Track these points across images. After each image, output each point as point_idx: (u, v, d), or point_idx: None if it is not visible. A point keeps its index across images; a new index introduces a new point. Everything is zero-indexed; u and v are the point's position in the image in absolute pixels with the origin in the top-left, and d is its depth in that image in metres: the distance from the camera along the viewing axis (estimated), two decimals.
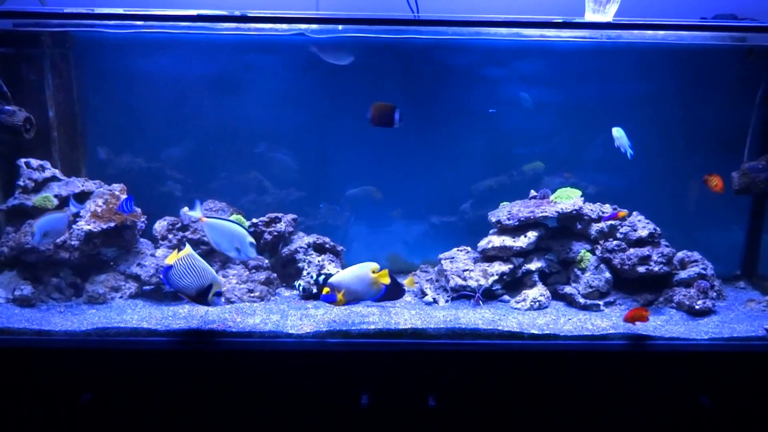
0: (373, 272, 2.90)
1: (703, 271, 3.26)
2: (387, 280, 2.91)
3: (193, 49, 3.48)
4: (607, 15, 2.84)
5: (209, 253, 3.29)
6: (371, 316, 3.02)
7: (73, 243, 3.11)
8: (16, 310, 3.03)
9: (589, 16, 2.87)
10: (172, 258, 2.76)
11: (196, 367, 2.78)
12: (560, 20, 2.87)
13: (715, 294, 3.27)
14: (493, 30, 3.11)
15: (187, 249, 2.77)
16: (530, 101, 3.50)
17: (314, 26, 3.07)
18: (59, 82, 3.41)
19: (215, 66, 3.52)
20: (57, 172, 3.32)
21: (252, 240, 2.96)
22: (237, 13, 2.87)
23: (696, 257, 3.33)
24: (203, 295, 2.76)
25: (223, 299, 2.80)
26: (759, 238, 3.68)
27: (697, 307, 3.12)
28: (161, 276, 2.74)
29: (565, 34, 3.25)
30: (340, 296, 2.86)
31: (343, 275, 2.90)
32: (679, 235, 3.45)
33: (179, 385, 2.78)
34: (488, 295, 3.25)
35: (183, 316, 3.01)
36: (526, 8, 3.22)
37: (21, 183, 3.21)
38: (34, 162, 3.26)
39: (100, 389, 2.75)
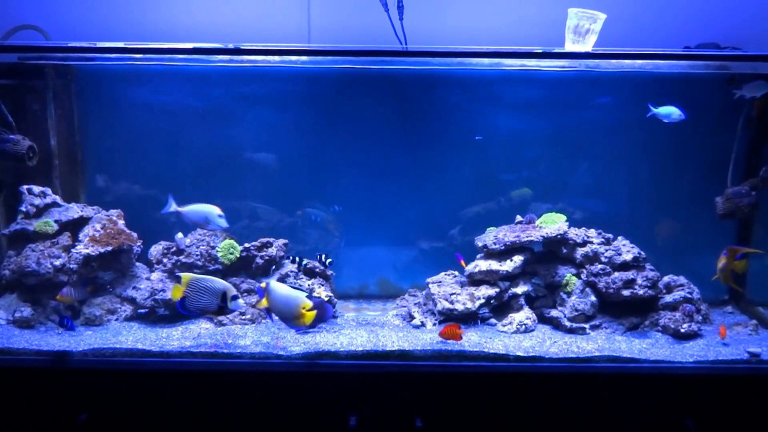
0: (303, 307, 2.82)
1: (689, 295, 3.30)
2: (308, 321, 2.84)
3: (188, 81, 3.60)
4: (586, 45, 2.92)
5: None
6: (359, 338, 3.08)
7: (72, 266, 3.20)
8: (15, 331, 3.11)
9: (569, 47, 2.96)
10: (177, 292, 2.79)
11: (189, 387, 2.85)
12: (540, 50, 2.95)
13: (701, 318, 3.30)
14: (476, 60, 3.21)
15: (186, 276, 2.81)
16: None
17: (305, 58, 3.18)
18: (61, 112, 3.53)
19: (210, 96, 3.63)
20: (57, 198, 3.42)
21: (220, 212, 3.18)
22: (231, 45, 2.97)
23: (682, 281, 3.38)
24: (223, 305, 2.81)
25: (240, 300, 2.83)
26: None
27: (682, 330, 3.15)
28: (179, 310, 2.81)
29: (546, 63, 3.34)
30: (264, 301, 2.86)
31: (278, 288, 2.87)
32: (667, 260, 3.50)
33: (173, 405, 2.84)
34: (475, 319, 3.30)
35: (177, 337, 3.09)
36: (510, 39, 3.32)
37: (23, 209, 3.31)
38: (36, 188, 3.37)
39: (97, 409, 2.82)
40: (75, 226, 3.35)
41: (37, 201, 3.34)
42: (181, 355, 2.93)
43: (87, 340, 3.04)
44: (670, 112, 3.22)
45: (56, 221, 3.30)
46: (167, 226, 3.50)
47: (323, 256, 3.41)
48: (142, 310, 3.31)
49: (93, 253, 3.22)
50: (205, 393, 2.83)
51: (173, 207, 3.21)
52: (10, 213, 3.40)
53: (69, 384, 2.84)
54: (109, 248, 3.25)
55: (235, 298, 2.80)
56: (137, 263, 3.44)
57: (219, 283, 2.82)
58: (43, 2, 3.45)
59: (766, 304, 3.59)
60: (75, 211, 3.38)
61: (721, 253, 3.17)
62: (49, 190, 3.40)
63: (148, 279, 3.38)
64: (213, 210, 3.20)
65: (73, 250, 3.23)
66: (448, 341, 3.03)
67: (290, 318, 2.85)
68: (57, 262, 3.17)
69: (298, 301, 2.83)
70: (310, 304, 2.82)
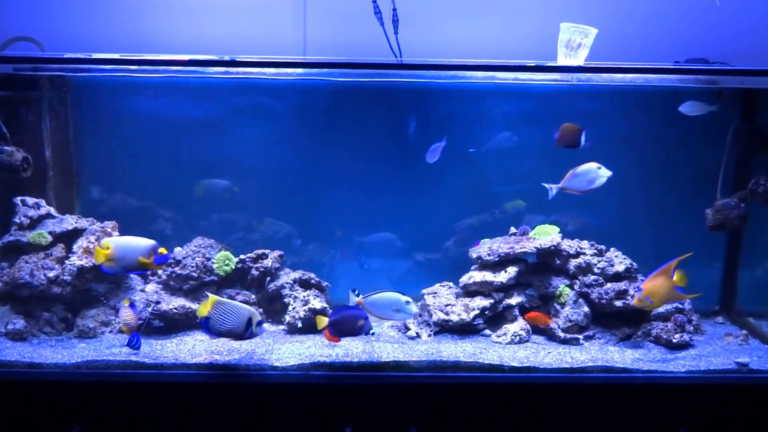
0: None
1: (681, 306, 3.34)
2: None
3: (184, 93, 3.62)
4: (578, 59, 2.97)
5: (198, 288, 3.38)
6: (355, 350, 3.09)
7: (65, 278, 3.19)
8: (8, 343, 3.09)
9: (561, 60, 3.00)
10: (204, 309, 2.79)
11: (183, 399, 2.84)
12: (533, 64, 3.00)
13: (692, 328, 3.34)
14: (470, 73, 3.25)
15: (212, 298, 2.81)
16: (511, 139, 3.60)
17: (300, 70, 3.20)
18: (56, 124, 3.53)
19: (205, 108, 3.64)
20: (52, 210, 3.41)
21: (408, 298, 3.02)
22: (227, 57, 2.98)
23: None
24: (246, 330, 2.82)
25: (264, 325, 2.83)
26: (735, 274, 3.76)
27: (674, 340, 3.18)
28: (203, 329, 2.82)
29: (538, 77, 3.39)
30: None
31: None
32: None
33: (167, 417, 2.83)
34: (469, 330, 3.32)
35: (171, 350, 3.08)
36: (503, 53, 3.37)
37: (17, 220, 3.29)
38: (30, 200, 3.36)
39: (90, 421, 2.80)
40: (69, 238, 3.34)
41: (31, 212, 3.33)
42: (176, 367, 2.93)
43: (80, 353, 3.02)
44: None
45: (50, 233, 3.29)
46: (162, 238, 3.49)
47: (356, 291, 3.41)
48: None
49: (87, 265, 3.21)
50: (200, 405, 2.82)
51: (353, 300, 3.06)
52: (4, 224, 3.37)
53: (62, 396, 2.82)
54: None
55: (260, 323, 2.83)
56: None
57: (246, 309, 2.84)
58: (38, 14, 3.46)
59: (756, 315, 3.63)
60: (69, 222, 3.37)
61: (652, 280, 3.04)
62: (43, 202, 3.39)
63: (142, 290, 3.37)
64: (399, 297, 3.02)
65: (66, 262, 3.22)
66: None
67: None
68: (51, 274, 3.17)
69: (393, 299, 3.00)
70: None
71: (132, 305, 3.09)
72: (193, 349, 3.09)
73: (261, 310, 3.42)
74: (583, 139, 3.16)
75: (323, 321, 3.00)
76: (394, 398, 2.86)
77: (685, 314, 3.32)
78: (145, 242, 2.89)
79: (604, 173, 3.11)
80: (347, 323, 2.96)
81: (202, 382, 2.87)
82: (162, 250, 2.89)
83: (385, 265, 3.83)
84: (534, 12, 3.48)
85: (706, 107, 3.31)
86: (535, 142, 3.63)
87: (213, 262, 3.39)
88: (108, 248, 2.85)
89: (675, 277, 2.97)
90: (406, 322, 3.41)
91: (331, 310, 3.41)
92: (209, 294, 2.81)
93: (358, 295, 3.03)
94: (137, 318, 3.08)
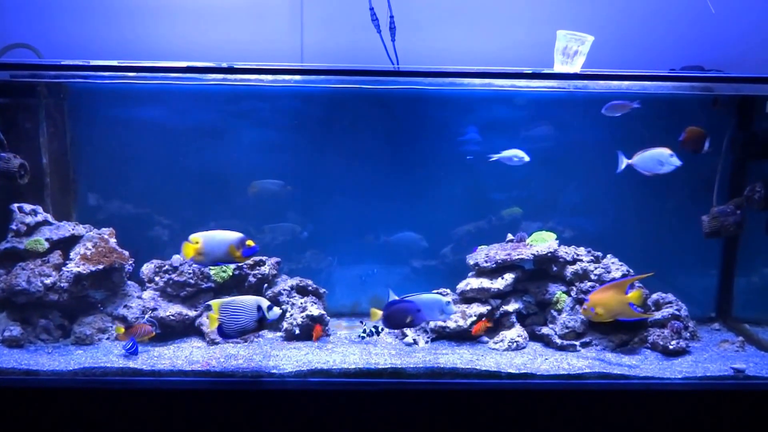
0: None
1: (677, 312, 3.35)
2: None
3: (181, 99, 3.62)
4: (575, 66, 2.99)
5: (195, 294, 3.39)
6: (352, 356, 3.09)
7: (62, 285, 3.18)
8: (5, 350, 3.08)
9: (558, 68, 3.02)
10: (213, 322, 2.76)
11: (180, 405, 2.83)
12: (530, 71, 3.01)
13: (689, 335, 3.35)
14: (467, 80, 3.26)
15: (215, 303, 2.78)
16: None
17: (297, 77, 3.21)
18: (53, 131, 3.54)
19: (202, 115, 3.64)
20: (48, 217, 3.40)
21: (449, 299, 3.03)
22: (224, 64, 2.99)
23: (670, 299, 3.42)
24: (262, 319, 2.79)
25: (275, 308, 2.81)
26: (731, 281, 3.77)
27: (671, 347, 3.19)
28: (220, 336, 2.83)
29: (535, 84, 3.40)
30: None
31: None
32: (655, 278, 3.53)
33: (164, 424, 2.82)
34: (466, 336, 3.32)
35: (168, 356, 3.07)
36: (500, 60, 3.38)
37: (14, 227, 3.29)
38: (27, 207, 3.35)
39: (87, 428, 2.80)
40: (66, 245, 3.34)
41: (28, 219, 3.32)
42: (173, 374, 2.92)
43: (77, 359, 3.02)
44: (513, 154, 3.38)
45: (47, 239, 3.29)
46: (159, 245, 3.50)
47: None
48: None
49: (84, 272, 3.21)
50: (197, 412, 2.82)
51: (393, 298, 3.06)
52: (1, 231, 3.36)
53: (59, 403, 2.81)
54: (101, 267, 3.24)
55: (270, 308, 2.80)
56: (129, 282, 3.43)
57: (252, 298, 2.82)
58: (35, 21, 3.47)
59: (752, 321, 3.64)
60: (66, 229, 3.37)
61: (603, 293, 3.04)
62: (40, 209, 3.39)
63: (139, 297, 3.37)
64: (441, 299, 3.02)
65: (63, 269, 3.21)
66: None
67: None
68: (47, 281, 3.16)
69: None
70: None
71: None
72: (190, 355, 3.09)
73: None
74: (706, 144, 3.21)
75: (377, 314, 2.99)
76: (392, 405, 2.86)
77: (682, 321, 3.32)
78: (234, 235, 2.87)
79: (675, 161, 3.16)
80: (399, 316, 2.96)
81: (199, 389, 2.86)
82: (249, 243, 2.86)
83: (381, 271, 3.84)
84: (531, 20, 3.50)
85: (627, 105, 3.32)
86: (531, 149, 3.63)
87: (210, 269, 3.39)
88: (197, 242, 2.82)
89: (630, 294, 2.99)
90: (403, 329, 3.41)
91: (328, 317, 3.41)
92: (210, 303, 2.79)
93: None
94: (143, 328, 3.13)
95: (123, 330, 3.12)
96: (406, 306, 2.97)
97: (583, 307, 3.02)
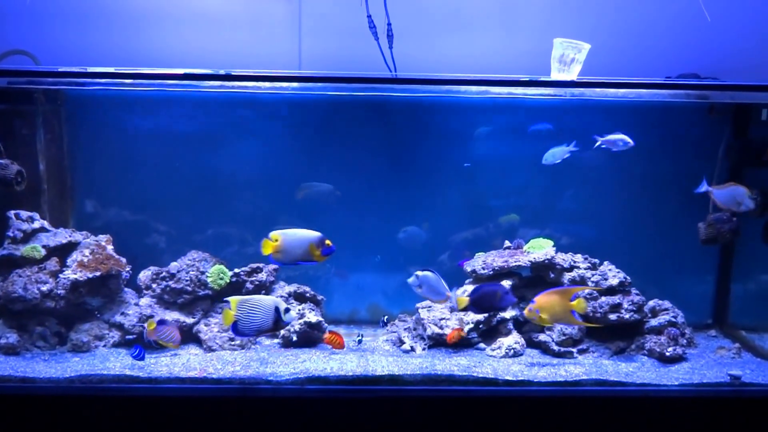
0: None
1: (674, 319, 3.35)
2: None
3: (179, 106, 3.62)
4: (572, 74, 3.00)
5: (192, 302, 3.38)
6: (349, 363, 3.09)
7: (59, 292, 3.17)
8: (1, 358, 3.07)
9: (555, 75, 3.03)
10: (228, 317, 2.74)
11: (177, 413, 2.83)
12: (527, 79, 3.02)
13: (685, 341, 3.35)
14: (464, 88, 3.27)
15: (233, 300, 2.77)
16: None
17: (295, 84, 3.22)
18: (50, 137, 3.54)
19: (200, 122, 3.64)
20: (45, 223, 3.40)
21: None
22: (222, 71, 2.99)
23: (667, 305, 3.43)
24: (278, 321, 2.79)
25: (292, 312, 2.81)
26: (728, 288, 3.79)
27: (667, 354, 3.20)
28: (234, 335, 2.82)
29: (532, 91, 3.41)
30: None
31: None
32: (651, 285, 3.55)
33: (161, 431, 2.82)
34: (464, 343, 3.32)
35: (165, 363, 3.07)
36: (497, 68, 3.39)
37: (10, 234, 3.28)
38: (24, 213, 3.35)
39: None
40: (63, 252, 3.33)
41: (25, 226, 3.32)
42: (170, 381, 2.92)
43: (74, 367, 3.01)
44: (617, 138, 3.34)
45: (44, 246, 3.28)
46: (156, 252, 3.49)
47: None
48: (131, 336, 3.27)
49: (81, 279, 3.20)
50: (194, 419, 2.82)
51: (414, 281, 3.08)
52: None
53: (55, 411, 2.81)
54: (98, 273, 3.24)
55: (287, 311, 2.79)
56: (126, 289, 3.42)
57: (269, 299, 2.82)
58: (32, 27, 3.47)
59: (748, 328, 3.65)
60: (63, 236, 3.37)
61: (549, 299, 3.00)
62: (36, 215, 3.38)
63: (136, 304, 3.36)
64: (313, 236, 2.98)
65: (60, 276, 3.20)
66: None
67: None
68: (44, 288, 3.15)
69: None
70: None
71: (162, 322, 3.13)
72: (187, 363, 3.08)
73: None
74: None
75: (463, 301, 3.00)
76: (389, 412, 2.86)
77: (678, 327, 3.33)
78: (313, 234, 2.87)
79: (749, 204, 3.21)
80: (488, 298, 2.98)
81: (197, 396, 2.86)
82: (328, 242, 2.86)
83: (378, 278, 3.84)
84: (528, 27, 3.52)
85: (565, 150, 3.37)
86: (528, 156, 3.64)
87: (207, 276, 3.39)
88: (277, 240, 2.82)
89: (574, 302, 2.99)
90: (400, 336, 3.41)
91: (327, 325, 3.41)
92: (229, 299, 2.78)
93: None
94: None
95: (154, 326, 3.08)
96: (493, 288, 3.00)
97: (528, 308, 2.99)
